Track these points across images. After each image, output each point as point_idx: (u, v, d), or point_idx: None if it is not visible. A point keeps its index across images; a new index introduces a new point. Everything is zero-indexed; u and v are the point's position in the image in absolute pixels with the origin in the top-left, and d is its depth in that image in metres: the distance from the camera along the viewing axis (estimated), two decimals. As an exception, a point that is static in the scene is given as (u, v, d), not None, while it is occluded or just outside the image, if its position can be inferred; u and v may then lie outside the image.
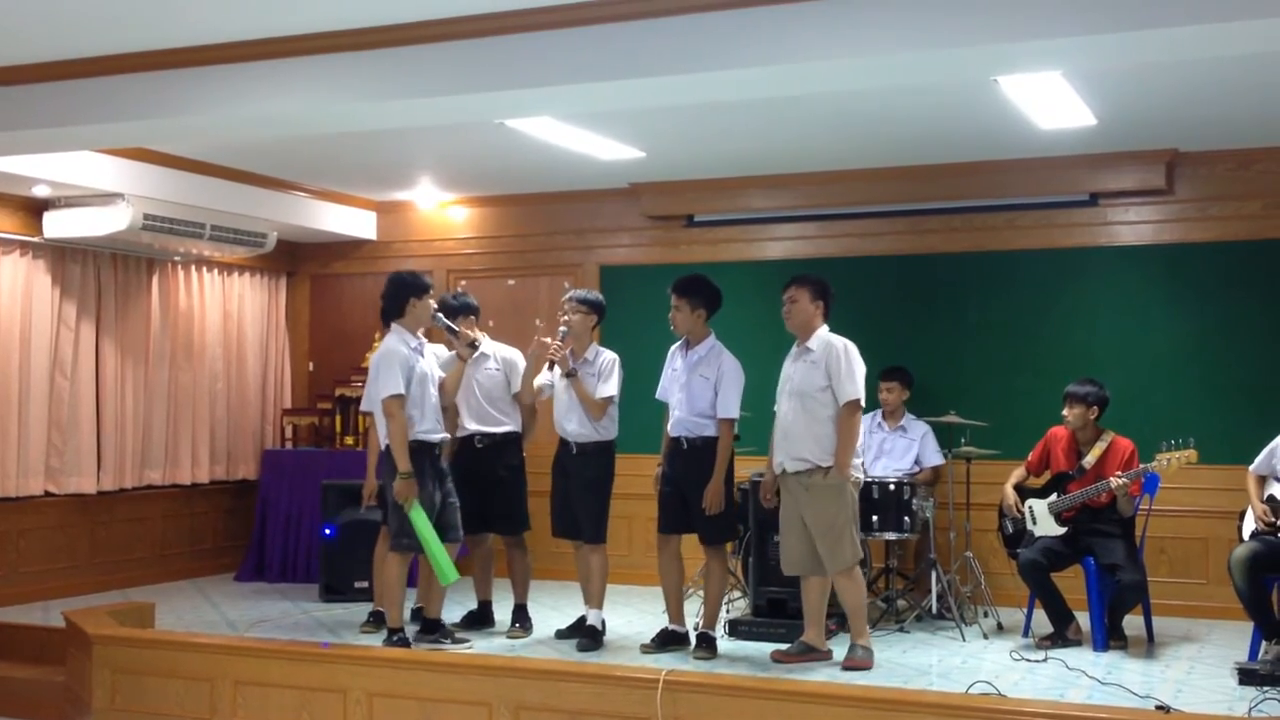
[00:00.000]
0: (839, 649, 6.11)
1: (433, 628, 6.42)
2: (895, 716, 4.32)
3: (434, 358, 6.45)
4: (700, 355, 6.29)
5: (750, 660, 6.14)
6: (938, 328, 8.03)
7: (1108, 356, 7.59)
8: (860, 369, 6.02)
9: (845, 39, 4.49)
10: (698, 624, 6.33)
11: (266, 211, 8.65)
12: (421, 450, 6.08)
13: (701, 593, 6.51)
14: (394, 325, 6.24)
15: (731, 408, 6.22)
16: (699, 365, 6.27)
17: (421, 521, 5.96)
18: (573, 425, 6.47)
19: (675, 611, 6.37)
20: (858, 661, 5.87)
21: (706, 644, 6.17)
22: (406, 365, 6.08)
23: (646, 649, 6.28)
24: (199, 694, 5.38)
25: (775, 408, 6.24)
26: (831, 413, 5.96)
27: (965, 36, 4.35)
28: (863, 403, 6.05)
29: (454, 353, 6.59)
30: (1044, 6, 4.24)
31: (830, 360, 5.96)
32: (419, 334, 6.33)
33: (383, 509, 6.68)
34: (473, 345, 6.49)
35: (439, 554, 5.98)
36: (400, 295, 6.23)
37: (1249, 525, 6.18)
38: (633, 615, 7.26)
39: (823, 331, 6.10)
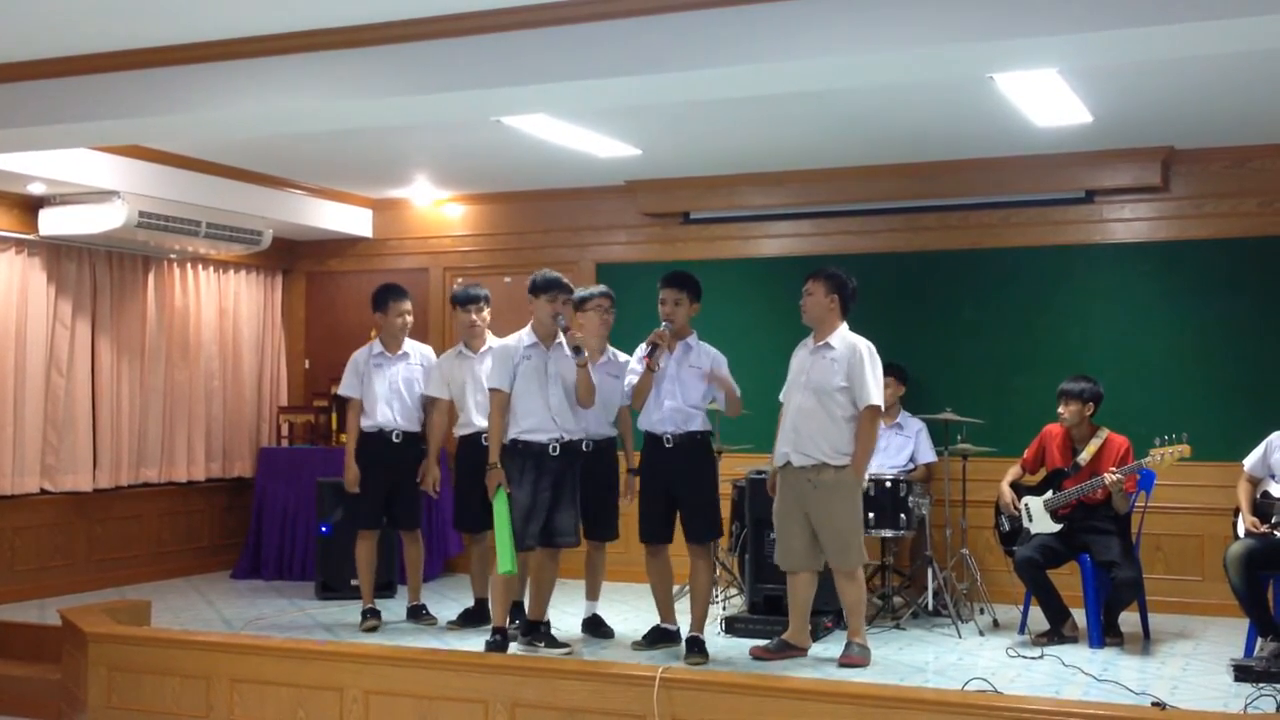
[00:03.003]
0: (832, 647, 6.12)
1: (529, 629, 6.28)
2: (892, 714, 4.32)
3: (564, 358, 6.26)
4: (690, 346, 6.23)
5: (746, 658, 6.14)
6: (934, 325, 8.04)
7: (1103, 353, 7.60)
8: (880, 372, 6.03)
9: (841, 36, 4.49)
10: (689, 630, 6.22)
11: (262, 209, 8.64)
12: (516, 449, 6.05)
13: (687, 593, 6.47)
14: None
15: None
16: (689, 356, 6.20)
17: (499, 507, 5.96)
18: (589, 423, 6.40)
19: (666, 611, 6.33)
20: (854, 659, 5.87)
21: (699, 649, 6.06)
22: (510, 362, 6.08)
23: (638, 646, 6.28)
24: (195, 692, 5.38)
25: (782, 399, 6.21)
26: (849, 414, 5.96)
27: (960, 33, 4.35)
28: (883, 407, 6.09)
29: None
30: (1039, 3, 4.24)
31: (853, 362, 5.95)
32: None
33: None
34: (576, 350, 6.11)
35: (502, 540, 5.94)
36: (530, 293, 6.21)
37: (1244, 523, 6.18)
38: (629, 613, 7.26)
39: (844, 330, 6.07)
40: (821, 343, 6.05)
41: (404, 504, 7.05)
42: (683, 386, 6.18)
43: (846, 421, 5.95)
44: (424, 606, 7.12)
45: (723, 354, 6.30)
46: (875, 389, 5.94)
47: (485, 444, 6.65)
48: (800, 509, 5.99)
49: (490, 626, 6.28)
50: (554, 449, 6.06)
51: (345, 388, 7.12)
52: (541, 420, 6.06)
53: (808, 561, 6.03)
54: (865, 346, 6.00)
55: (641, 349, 6.26)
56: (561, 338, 6.18)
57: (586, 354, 6.13)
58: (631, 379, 6.29)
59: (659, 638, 6.29)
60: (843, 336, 6.04)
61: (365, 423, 7.01)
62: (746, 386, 6.39)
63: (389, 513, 7.07)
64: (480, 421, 6.71)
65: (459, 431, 6.96)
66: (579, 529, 6.23)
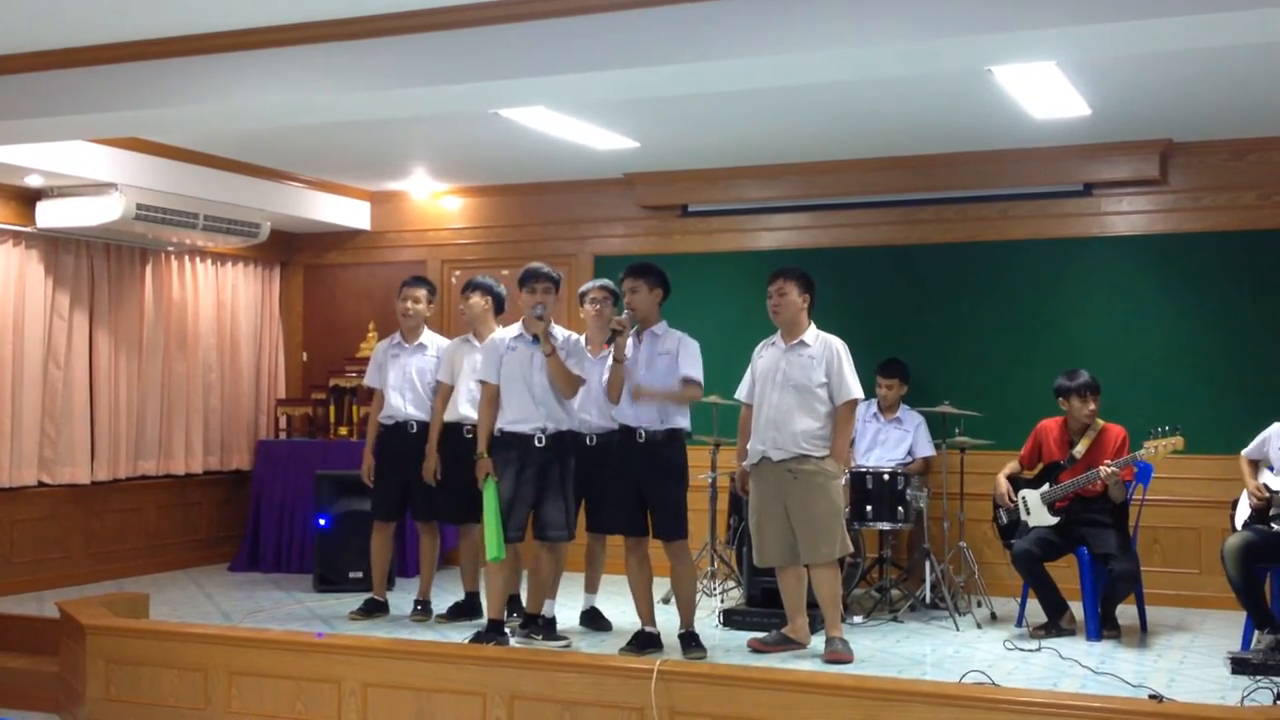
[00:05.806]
0: (815, 640, 6.11)
1: (527, 622, 6.26)
2: (889, 706, 4.32)
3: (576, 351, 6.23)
4: (658, 334, 6.13)
5: (744, 650, 6.14)
6: (931, 318, 8.05)
7: (1101, 346, 7.60)
8: (853, 366, 6.13)
9: (838, 29, 4.48)
10: (680, 627, 6.15)
11: (260, 201, 8.64)
12: (502, 440, 6.08)
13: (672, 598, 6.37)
14: None
15: (699, 370, 6.06)
16: (659, 343, 6.11)
17: (488, 497, 6.00)
18: (592, 415, 6.42)
19: (647, 613, 6.16)
20: (839, 655, 5.86)
21: (695, 643, 6.02)
22: (497, 354, 6.16)
23: (625, 651, 6.05)
24: (193, 684, 5.38)
25: (743, 398, 6.25)
26: (829, 409, 6.04)
27: (958, 26, 4.34)
28: (861, 399, 6.17)
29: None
30: (1038, -4, 4.25)
31: (830, 359, 6.05)
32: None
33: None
34: (534, 338, 6.07)
35: (490, 529, 5.98)
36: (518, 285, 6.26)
37: (1242, 514, 6.19)
38: (627, 606, 7.23)
39: (814, 328, 6.15)
40: (795, 341, 6.10)
41: (420, 494, 7.03)
42: (656, 375, 6.05)
43: (827, 416, 6.05)
44: (427, 604, 7.06)
45: (696, 339, 6.13)
46: (854, 383, 6.08)
47: (467, 435, 6.70)
48: (779, 501, 6.01)
49: (485, 620, 6.28)
50: (539, 440, 6.04)
51: (368, 378, 7.32)
52: (524, 410, 6.06)
53: (786, 557, 6.04)
54: (839, 343, 6.12)
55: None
56: (554, 329, 6.17)
57: (551, 344, 6.01)
58: (605, 374, 6.18)
59: (645, 643, 6.06)
60: (815, 335, 6.13)
61: (381, 414, 7.09)
62: (741, 379, 6.36)
63: (409, 503, 7.11)
64: (463, 410, 6.81)
65: (446, 417, 6.96)
66: (570, 523, 6.15)
